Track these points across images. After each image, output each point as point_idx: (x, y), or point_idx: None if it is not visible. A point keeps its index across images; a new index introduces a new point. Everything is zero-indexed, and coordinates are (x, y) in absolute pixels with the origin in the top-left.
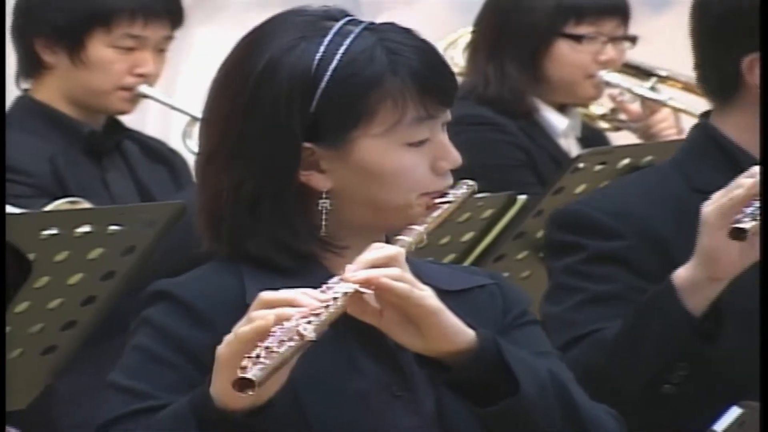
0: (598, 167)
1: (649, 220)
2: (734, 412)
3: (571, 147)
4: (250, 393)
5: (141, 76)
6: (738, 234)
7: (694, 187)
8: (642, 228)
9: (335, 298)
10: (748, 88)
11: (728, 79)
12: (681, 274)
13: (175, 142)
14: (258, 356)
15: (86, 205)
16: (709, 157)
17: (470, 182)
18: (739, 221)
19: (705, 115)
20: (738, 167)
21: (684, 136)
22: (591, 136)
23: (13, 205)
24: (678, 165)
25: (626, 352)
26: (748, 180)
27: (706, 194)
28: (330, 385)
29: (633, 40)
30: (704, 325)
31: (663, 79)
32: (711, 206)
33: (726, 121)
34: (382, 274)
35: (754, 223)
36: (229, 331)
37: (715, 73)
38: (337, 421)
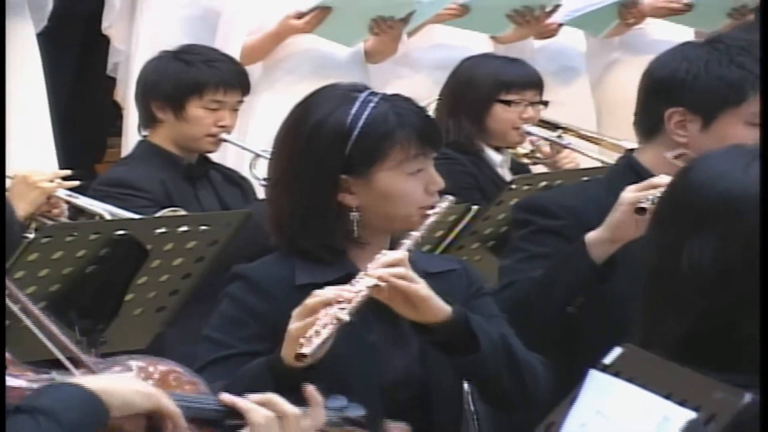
0: (524, 188)
1: (580, 210)
2: (618, 350)
3: (506, 174)
4: (306, 361)
5: (222, 127)
6: (640, 212)
7: (613, 195)
8: (574, 215)
9: (360, 291)
10: (665, 132)
11: (653, 125)
12: (591, 235)
13: (245, 172)
14: (309, 337)
15: (184, 212)
16: (627, 176)
17: (450, 197)
18: (642, 203)
19: (630, 151)
20: None
21: (579, 167)
22: (518, 168)
23: (136, 212)
24: (605, 180)
25: (547, 283)
26: (656, 180)
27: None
28: (350, 340)
29: (545, 104)
30: (601, 270)
31: (565, 130)
32: (628, 192)
33: (645, 153)
34: (392, 273)
35: (652, 206)
36: (283, 302)
37: (646, 119)
38: (354, 362)
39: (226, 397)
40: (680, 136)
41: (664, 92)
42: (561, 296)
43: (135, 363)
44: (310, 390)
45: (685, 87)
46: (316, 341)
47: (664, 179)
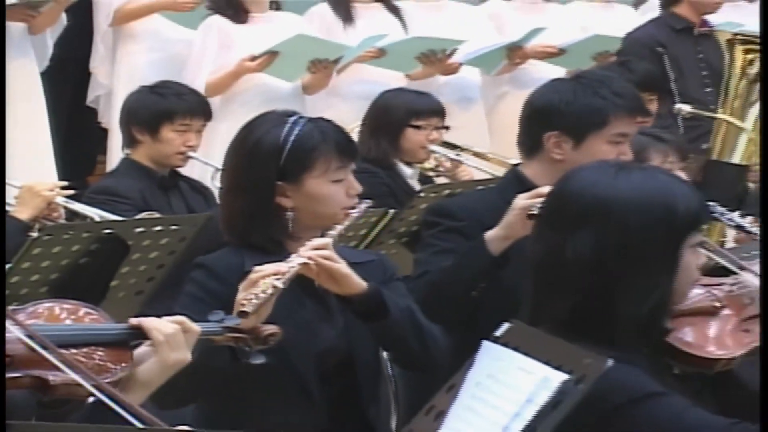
0: (431, 195)
1: (479, 213)
2: (506, 325)
3: (415, 185)
4: (248, 320)
5: (189, 146)
6: (532, 217)
7: (505, 203)
8: (474, 217)
9: (292, 266)
10: (544, 151)
11: (534, 145)
12: (489, 233)
13: (207, 183)
14: (250, 299)
15: (158, 215)
16: (515, 186)
17: (368, 201)
18: (533, 210)
19: (515, 165)
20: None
21: (474, 179)
22: (424, 179)
23: (120, 215)
24: (498, 189)
25: (454, 273)
26: (542, 190)
27: (508, 204)
28: (288, 316)
29: (447, 128)
30: (497, 261)
31: (463, 150)
32: (519, 199)
33: (528, 167)
34: (318, 254)
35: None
36: (235, 285)
37: (528, 140)
38: (290, 333)
39: (134, 319)
40: (557, 153)
41: (542, 119)
42: (466, 283)
43: (43, 306)
44: (177, 318)
45: (559, 114)
46: (255, 302)
47: (549, 189)
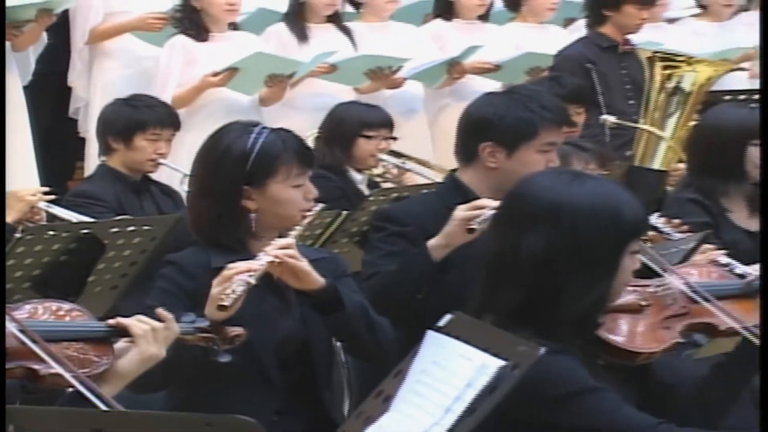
0: (380, 198)
1: (422, 218)
2: (449, 316)
3: (364, 189)
4: (225, 313)
5: (160, 154)
6: (471, 231)
7: (445, 207)
8: (417, 222)
9: (262, 264)
10: (479, 159)
11: (470, 154)
12: (431, 241)
13: (176, 187)
14: (228, 294)
15: (131, 217)
16: (452, 191)
17: (322, 204)
18: (472, 224)
19: (453, 171)
20: (466, 200)
21: (417, 184)
22: (373, 185)
23: (96, 217)
24: (437, 194)
25: (400, 276)
26: (479, 202)
27: (451, 211)
28: (251, 309)
29: (395, 138)
30: (439, 267)
31: (408, 158)
32: (459, 211)
33: (465, 174)
34: (285, 253)
35: (479, 226)
36: (202, 280)
37: (464, 150)
38: (254, 327)
39: (112, 320)
40: (491, 162)
41: (477, 130)
42: (411, 287)
43: (28, 306)
44: (160, 311)
45: (493, 127)
46: (233, 296)
47: (486, 202)
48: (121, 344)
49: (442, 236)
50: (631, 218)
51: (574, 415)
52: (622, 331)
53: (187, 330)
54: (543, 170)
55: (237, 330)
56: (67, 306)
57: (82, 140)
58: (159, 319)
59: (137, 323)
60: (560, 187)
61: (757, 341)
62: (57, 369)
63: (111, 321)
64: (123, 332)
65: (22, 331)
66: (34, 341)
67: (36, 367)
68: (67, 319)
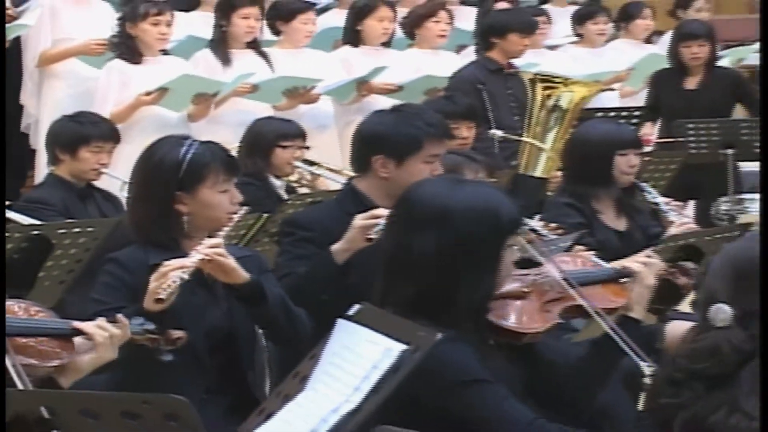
0: (297, 202)
1: (325, 223)
2: (357, 306)
3: (283, 194)
4: (162, 305)
5: (102, 164)
6: (369, 240)
7: (345, 213)
8: (322, 227)
9: (195, 261)
10: (372, 170)
11: (364, 165)
12: (334, 246)
13: (116, 193)
14: (165, 288)
15: (77, 220)
16: (350, 197)
17: (246, 207)
18: (370, 234)
19: (350, 179)
20: (363, 206)
21: (329, 189)
22: (290, 190)
23: (46, 220)
24: (338, 200)
25: (308, 278)
26: (376, 212)
27: (350, 216)
28: (184, 301)
29: (308, 148)
30: (341, 269)
31: (320, 166)
32: (357, 220)
33: (361, 183)
34: (214, 251)
35: (376, 236)
36: (140, 275)
37: (358, 161)
38: (186, 317)
39: (76, 323)
40: (383, 172)
41: (370, 144)
42: (318, 287)
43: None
44: (119, 317)
45: (383, 142)
46: (168, 290)
47: (381, 211)
48: (80, 340)
49: (343, 242)
50: (507, 216)
51: (463, 404)
52: (509, 315)
53: (137, 331)
54: (428, 178)
55: (179, 333)
56: (36, 307)
57: (33, 152)
58: (114, 321)
59: (99, 331)
60: (444, 192)
61: (603, 323)
62: (27, 360)
63: (76, 324)
64: (82, 332)
65: None
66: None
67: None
68: (37, 317)
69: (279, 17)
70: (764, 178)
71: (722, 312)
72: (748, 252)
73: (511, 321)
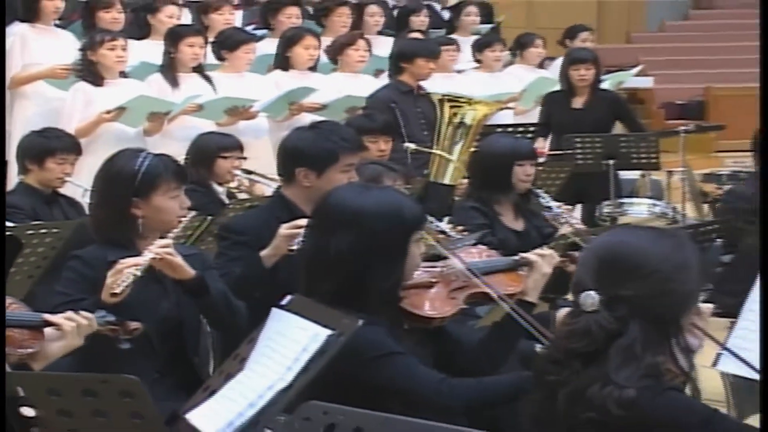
0: (237, 206)
1: (257, 228)
2: (290, 297)
3: (225, 199)
4: (117, 298)
5: (66, 174)
6: (291, 251)
7: (275, 218)
8: (254, 231)
9: (146, 260)
10: (296, 180)
11: (289, 175)
12: (263, 252)
13: (79, 198)
14: (119, 284)
15: (43, 222)
16: (279, 204)
17: (194, 212)
18: (292, 243)
19: (279, 187)
20: (290, 211)
21: (265, 195)
22: (231, 195)
23: (16, 222)
24: (267, 208)
25: (241, 279)
26: (299, 222)
27: (280, 220)
28: (138, 294)
29: (246, 158)
30: (270, 272)
31: (256, 174)
32: (282, 229)
33: (287, 191)
34: (164, 251)
35: (300, 244)
36: (100, 271)
37: (284, 172)
38: (140, 308)
39: (47, 316)
40: (305, 182)
41: (293, 157)
42: (250, 287)
43: None
44: (84, 313)
45: (304, 155)
46: (123, 285)
47: (303, 222)
48: (50, 330)
49: (270, 248)
50: (410, 214)
51: (382, 375)
52: (420, 303)
53: (99, 323)
54: (340, 185)
55: (136, 324)
56: (10, 300)
57: (5, 163)
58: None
59: (67, 321)
60: (354, 197)
61: (504, 305)
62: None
63: (47, 317)
64: (51, 323)
65: None
66: None
67: None
68: (10, 309)
69: (224, 46)
70: (764, 178)
71: (590, 298)
72: (610, 244)
73: (422, 308)
